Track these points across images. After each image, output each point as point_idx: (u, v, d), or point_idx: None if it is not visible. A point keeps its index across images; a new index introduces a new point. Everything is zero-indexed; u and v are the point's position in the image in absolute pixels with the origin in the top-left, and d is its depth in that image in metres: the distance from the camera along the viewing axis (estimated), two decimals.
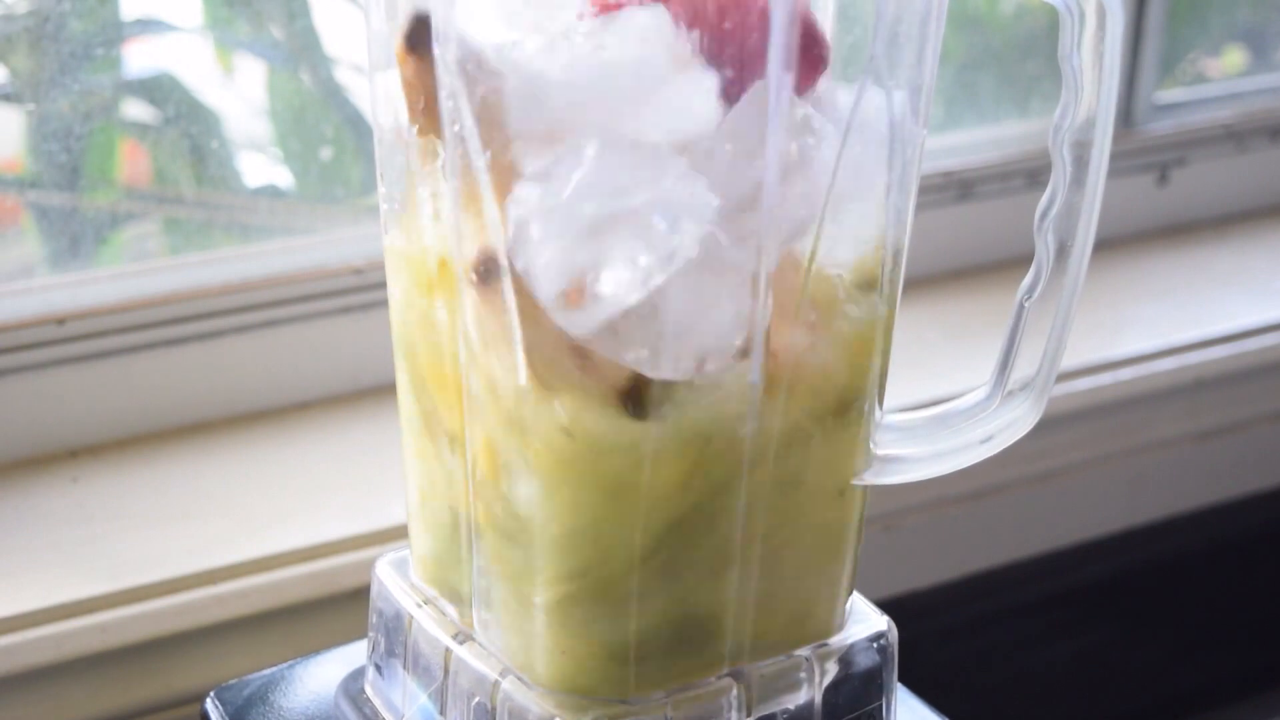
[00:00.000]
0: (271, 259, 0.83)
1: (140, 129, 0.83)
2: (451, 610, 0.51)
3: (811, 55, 0.44)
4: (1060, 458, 0.93)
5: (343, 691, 0.56)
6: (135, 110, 0.84)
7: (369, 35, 0.48)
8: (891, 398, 0.51)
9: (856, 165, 0.46)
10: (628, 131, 0.42)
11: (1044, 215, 0.48)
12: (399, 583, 0.54)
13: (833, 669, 0.51)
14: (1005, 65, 1.07)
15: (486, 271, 0.43)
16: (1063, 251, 0.48)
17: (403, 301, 0.50)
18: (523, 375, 0.44)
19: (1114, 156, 0.48)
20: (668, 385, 0.44)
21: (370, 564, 0.56)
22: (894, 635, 0.53)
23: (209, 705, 0.57)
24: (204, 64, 0.84)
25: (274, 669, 0.58)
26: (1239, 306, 1.01)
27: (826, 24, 0.47)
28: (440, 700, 0.51)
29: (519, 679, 0.48)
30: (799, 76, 0.43)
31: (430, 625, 0.51)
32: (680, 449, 0.45)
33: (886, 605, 0.55)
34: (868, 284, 0.47)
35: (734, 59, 0.42)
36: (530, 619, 0.47)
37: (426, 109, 0.44)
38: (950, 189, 1.03)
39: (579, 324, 0.43)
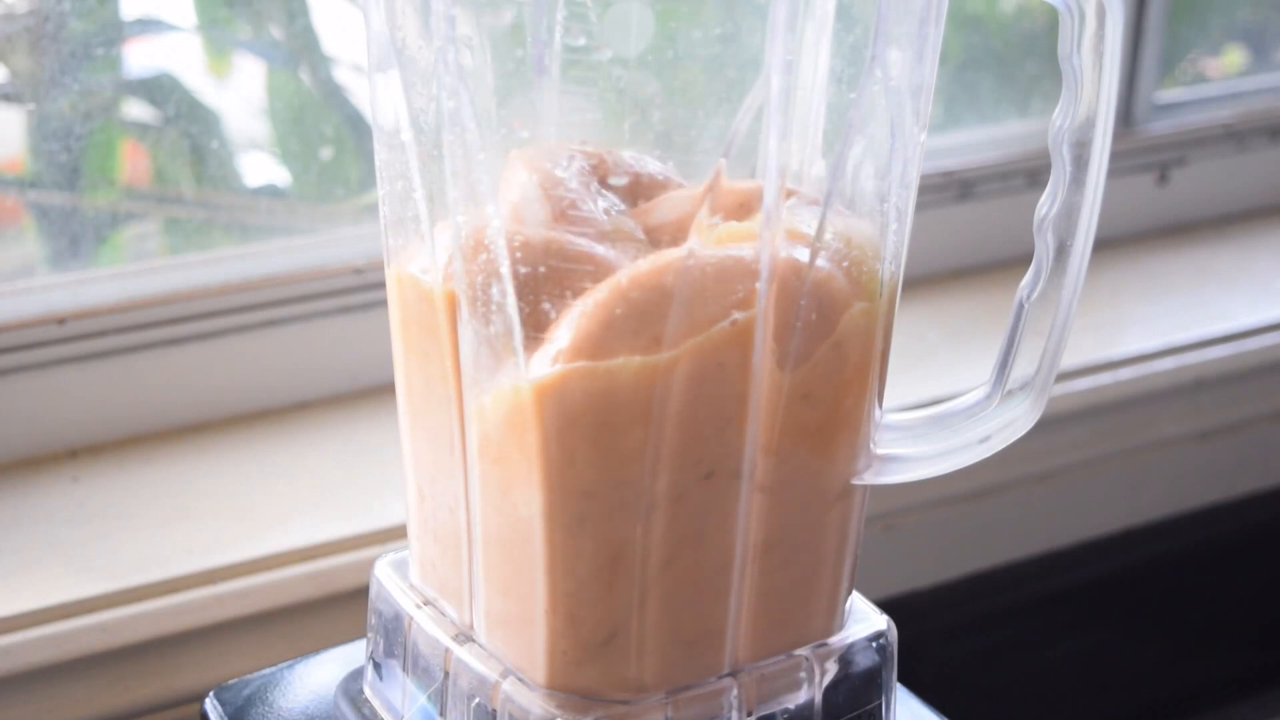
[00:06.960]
0: (271, 259, 0.83)
1: (140, 129, 0.83)
2: (451, 611, 0.51)
3: None
4: (1060, 458, 0.93)
5: (342, 692, 0.56)
6: (135, 110, 0.84)
7: (369, 35, 0.48)
8: (891, 398, 0.51)
9: (856, 166, 0.46)
10: None
11: (1044, 215, 0.48)
12: (398, 583, 0.54)
13: (832, 669, 0.51)
14: (1005, 65, 1.07)
15: None
16: (1062, 251, 0.48)
17: (399, 312, 0.50)
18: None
19: (1114, 156, 0.48)
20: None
21: (370, 564, 0.56)
22: (893, 635, 0.53)
23: (208, 705, 0.57)
24: (204, 64, 0.84)
25: (273, 669, 0.58)
26: (1239, 306, 1.01)
27: (826, 23, 0.47)
28: (440, 701, 0.51)
29: (520, 680, 0.48)
30: None
31: (430, 626, 0.51)
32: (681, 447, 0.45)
33: (886, 605, 0.55)
34: (868, 284, 0.47)
35: None
36: (530, 620, 0.47)
37: None
38: (950, 189, 1.03)
39: None
